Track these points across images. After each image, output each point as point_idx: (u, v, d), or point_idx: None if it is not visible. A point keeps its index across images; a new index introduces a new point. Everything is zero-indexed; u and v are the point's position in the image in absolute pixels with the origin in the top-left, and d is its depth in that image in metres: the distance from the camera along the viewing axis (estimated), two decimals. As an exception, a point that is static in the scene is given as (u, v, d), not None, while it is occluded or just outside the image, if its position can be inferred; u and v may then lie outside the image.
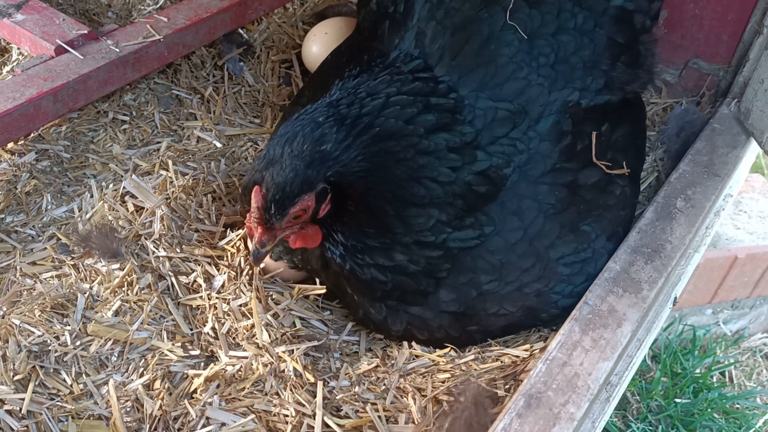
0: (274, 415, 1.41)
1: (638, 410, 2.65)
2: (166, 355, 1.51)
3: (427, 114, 1.43)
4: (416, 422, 1.41)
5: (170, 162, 1.93)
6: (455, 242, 1.47)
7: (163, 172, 1.91)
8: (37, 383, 1.44)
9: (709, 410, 2.65)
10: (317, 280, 1.67)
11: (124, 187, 1.82)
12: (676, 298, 1.81)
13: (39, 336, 1.51)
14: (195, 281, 1.64)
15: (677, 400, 2.64)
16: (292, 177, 1.29)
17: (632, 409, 2.65)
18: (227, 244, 1.73)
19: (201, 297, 1.61)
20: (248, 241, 1.41)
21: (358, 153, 1.34)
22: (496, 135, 1.52)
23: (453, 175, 1.44)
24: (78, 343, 1.52)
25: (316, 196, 1.34)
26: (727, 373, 2.88)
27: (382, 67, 1.55)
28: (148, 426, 1.39)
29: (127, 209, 1.79)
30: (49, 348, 1.50)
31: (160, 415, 1.40)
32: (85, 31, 2.07)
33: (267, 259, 1.68)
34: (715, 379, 2.83)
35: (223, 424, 1.39)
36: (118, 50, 2.05)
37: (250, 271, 1.65)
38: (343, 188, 1.38)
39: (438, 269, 1.49)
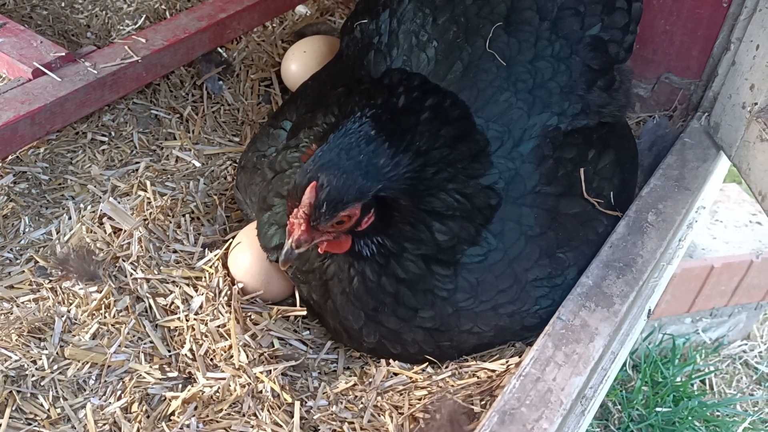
0: (252, 436, 1.42)
1: (620, 420, 2.67)
2: (144, 378, 1.52)
3: (448, 126, 1.48)
4: (393, 440, 1.43)
5: (148, 183, 1.94)
6: (466, 258, 1.50)
7: (142, 193, 1.92)
8: (13, 408, 1.44)
9: (689, 418, 2.68)
10: (296, 295, 1.69)
11: (101, 209, 1.83)
12: (650, 310, 1.84)
13: (16, 360, 1.51)
14: (173, 303, 1.65)
15: (658, 409, 2.67)
16: (350, 183, 1.31)
17: (614, 419, 2.67)
18: (205, 264, 1.74)
19: (179, 318, 1.62)
20: (286, 237, 1.37)
21: (406, 170, 1.38)
22: (491, 150, 1.56)
23: (478, 184, 1.49)
24: (55, 367, 1.53)
25: (362, 207, 1.36)
26: (707, 381, 2.91)
27: (391, 85, 1.57)
28: (125, 449, 1.39)
29: (105, 231, 1.80)
30: (26, 372, 1.50)
31: (138, 438, 1.40)
32: (63, 54, 2.08)
33: (247, 280, 1.70)
34: (695, 387, 2.86)
35: (201, 446, 1.40)
36: (95, 72, 2.06)
37: (229, 292, 1.66)
38: (388, 202, 1.40)
39: (441, 288, 1.51)
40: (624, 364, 2.82)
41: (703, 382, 2.90)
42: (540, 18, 1.69)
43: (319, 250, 1.47)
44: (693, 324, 2.94)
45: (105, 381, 1.51)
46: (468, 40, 1.66)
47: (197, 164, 2.10)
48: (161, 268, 1.71)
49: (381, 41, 1.76)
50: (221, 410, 1.45)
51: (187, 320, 1.61)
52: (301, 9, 2.76)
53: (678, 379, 2.81)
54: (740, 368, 3.00)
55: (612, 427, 2.66)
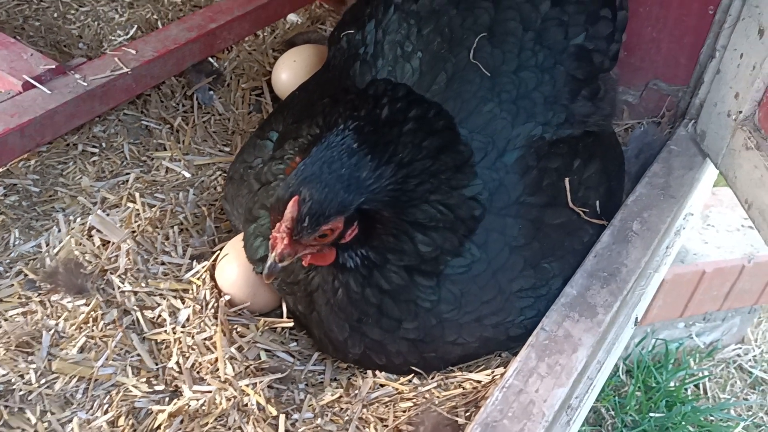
0: (237, 449, 1.43)
1: (613, 425, 2.67)
2: (131, 391, 1.53)
3: (431, 137, 1.48)
4: (378, 452, 1.43)
5: (137, 194, 1.95)
6: (450, 269, 1.51)
7: (131, 205, 1.93)
8: (1, 423, 1.45)
9: (683, 423, 2.68)
10: (284, 307, 1.70)
11: (89, 222, 1.84)
12: (637, 318, 1.84)
13: (3, 375, 1.52)
14: (160, 315, 1.66)
15: (651, 415, 2.67)
16: (331, 197, 1.32)
17: (607, 425, 2.67)
18: (193, 276, 1.75)
19: (166, 331, 1.63)
20: (269, 251, 1.39)
21: (389, 182, 1.39)
22: (475, 161, 1.57)
23: (461, 195, 1.50)
24: (43, 381, 1.53)
25: (345, 219, 1.37)
26: (701, 386, 2.91)
27: (376, 96, 1.58)
28: (111, 463, 1.40)
29: (94, 243, 1.81)
30: (14, 387, 1.51)
31: (124, 452, 1.41)
32: (53, 66, 2.09)
33: (234, 291, 1.71)
34: (689, 392, 2.86)
35: (187, 460, 1.41)
36: (85, 84, 2.07)
37: (216, 304, 1.67)
38: (371, 214, 1.42)
39: (424, 299, 1.52)
40: (617, 370, 2.82)
41: (697, 386, 2.90)
42: (524, 28, 1.69)
43: (303, 263, 1.48)
44: (686, 329, 2.94)
45: (92, 395, 1.52)
46: (452, 50, 1.67)
47: (187, 175, 2.11)
48: (149, 280, 1.72)
49: (367, 52, 1.77)
50: (207, 424, 1.46)
51: (174, 333, 1.62)
52: (292, 17, 2.77)
53: (671, 384, 2.81)
54: (734, 372, 3.00)
55: (605, 432, 2.66)
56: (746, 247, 2.76)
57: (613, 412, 2.70)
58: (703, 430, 2.72)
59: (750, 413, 2.87)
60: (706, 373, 2.94)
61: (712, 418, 2.79)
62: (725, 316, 2.97)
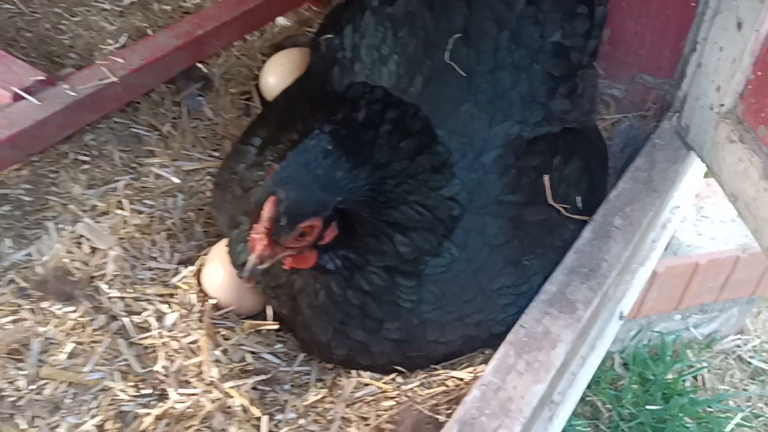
0: (222, 451, 1.45)
1: (610, 419, 2.68)
2: (118, 395, 1.55)
3: (408, 138, 1.50)
4: (360, 451, 1.45)
5: (126, 201, 1.98)
6: (430, 269, 1.53)
7: (119, 212, 1.96)
8: (-8, 430, 1.48)
9: (680, 415, 2.67)
10: (269, 309, 1.72)
11: (77, 230, 1.87)
12: (622, 313, 1.85)
13: (-6, 383, 1.56)
14: (146, 320, 1.68)
15: (648, 407, 2.67)
16: (308, 196, 1.34)
17: (603, 418, 2.68)
18: (180, 281, 1.78)
19: (152, 336, 1.65)
20: (249, 254, 1.40)
21: (365, 182, 1.41)
22: (454, 161, 1.58)
23: (440, 196, 1.51)
24: (33, 387, 1.56)
25: (323, 220, 1.39)
26: (699, 377, 2.90)
27: (353, 99, 1.60)
28: (99, 467, 1.43)
29: (83, 251, 1.84)
30: (4, 394, 1.54)
31: (111, 455, 1.44)
32: (43, 77, 2.11)
33: (220, 295, 1.74)
34: (687, 384, 2.85)
35: (172, 462, 1.43)
36: (74, 94, 2.09)
37: (201, 308, 1.69)
38: (350, 214, 1.44)
39: (405, 300, 1.54)
40: (613, 363, 2.82)
41: (695, 378, 2.90)
42: (498, 28, 1.70)
43: (284, 266, 1.50)
44: (683, 321, 2.94)
45: (81, 399, 1.55)
46: (428, 52, 1.68)
47: (176, 180, 2.13)
48: (136, 286, 1.75)
49: (345, 56, 1.79)
50: (192, 426, 1.49)
51: (160, 337, 1.65)
52: (281, 21, 2.79)
53: (669, 376, 2.81)
54: (733, 363, 2.99)
55: (602, 426, 2.66)
56: (741, 237, 2.75)
57: (609, 406, 2.70)
58: (701, 422, 2.71)
59: (749, 404, 2.86)
60: (704, 364, 2.93)
61: (710, 409, 2.78)
62: (723, 307, 2.96)
